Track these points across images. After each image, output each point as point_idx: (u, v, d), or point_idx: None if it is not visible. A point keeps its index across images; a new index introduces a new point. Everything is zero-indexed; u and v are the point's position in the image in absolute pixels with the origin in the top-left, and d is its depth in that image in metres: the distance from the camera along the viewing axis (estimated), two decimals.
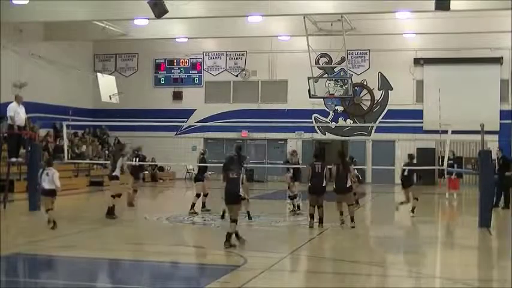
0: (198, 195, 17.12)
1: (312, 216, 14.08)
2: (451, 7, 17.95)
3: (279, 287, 9.23)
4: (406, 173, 16.79)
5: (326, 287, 9.07)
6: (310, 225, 13.96)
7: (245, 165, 15.87)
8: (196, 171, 18.34)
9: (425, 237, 14.22)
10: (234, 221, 11.49)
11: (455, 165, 20.65)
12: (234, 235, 11.53)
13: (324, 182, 13.92)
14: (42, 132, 25.52)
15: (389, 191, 27.23)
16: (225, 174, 11.76)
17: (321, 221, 14.06)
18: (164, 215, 16.50)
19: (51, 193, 13.54)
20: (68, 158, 20.69)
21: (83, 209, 19.79)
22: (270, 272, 9.72)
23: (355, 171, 20.25)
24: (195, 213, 16.53)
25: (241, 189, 11.46)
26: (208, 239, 13.59)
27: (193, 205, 16.73)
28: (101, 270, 10.34)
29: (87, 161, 26.38)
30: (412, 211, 16.71)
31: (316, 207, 14.10)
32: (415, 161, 18.43)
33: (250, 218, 15.32)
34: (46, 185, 13.55)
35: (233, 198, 11.46)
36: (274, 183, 30.43)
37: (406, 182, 16.80)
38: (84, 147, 27.75)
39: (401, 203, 17.16)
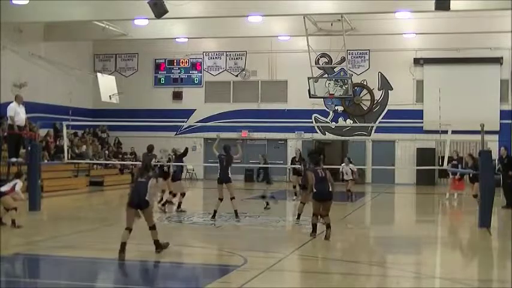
0: (182, 194, 17.54)
1: (314, 227, 12.88)
2: (451, 7, 17.94)
3: (279, 287, 9.24)
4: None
5: (326, 287, 9.08)
6: (313, 236, 12.76)
7: (230, 165, 16.16)
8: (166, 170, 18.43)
9: (425, 237, 14.21)
10: (152, 227, 10.73)
11: (459, 166, 20.61)
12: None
13: (330, 186, 12.92)
14: (42, 132, 25.51)
15: (389, 191, 27.24)
16: (135, 177, 11.16)
17: (328, 227, 12.67)
18: (164, 215, 16.53)
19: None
20: (68, 158, 20.69)
21: (83, 209, 19.79)
22: (270, 272, 9.73)
23: (355, 168, 20.74)
24: (183, 211, 17.02)
25: (148, 194, 10.64)
26: (208, 239, 13.59)
27: (179, 204, 17.29)
28: (101, 270, 10.34)
29: (87, 161, 26.40)
30: None
31: (320, 215, 12.88)
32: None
33: (237, 216, 15.53)
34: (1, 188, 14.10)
35: (140, 202, 10.65)
36: (274, 183, 30.42)
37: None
38: (84, 147, 27.75)
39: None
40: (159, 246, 10.77)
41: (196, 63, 33.22)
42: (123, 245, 10.35)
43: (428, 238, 14.06)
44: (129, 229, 10.56)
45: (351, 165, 20.96)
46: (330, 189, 12.85)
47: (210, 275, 9.88)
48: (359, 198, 23.40)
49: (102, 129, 32.20)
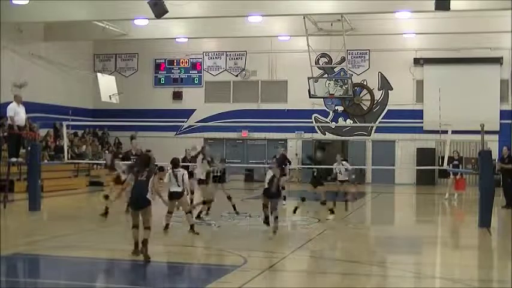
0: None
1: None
2: (451, 7, 17.95)
3: (279, 287, 9.24)
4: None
5: (326, 287, 9.08)
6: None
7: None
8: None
9: (425, 237, 14.21)
10: (147, 228, 10.44)
11: (460, 166, 20.55)
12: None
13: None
14: (42, 132, 25.51)
15: (389, 191, 27.24)
16: (134, 176, 10.67)
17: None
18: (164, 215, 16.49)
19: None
20: (67, 158, 20.69)
21: (83, 209, 19.79)
22: (270, 272, 9.73)
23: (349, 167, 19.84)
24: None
25: (149, 193, 10.44)
26: (208, 239, 13.59)
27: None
28: (101, 270, 10.33)
29: (87, 161, 26.39)
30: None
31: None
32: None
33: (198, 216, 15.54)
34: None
35: (141, 202, 10.46)
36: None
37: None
38: (84, 147, 27.75)
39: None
40: (145, 248, 10.26)
41: (196, 63, 33.21)
42: (136, 244, 10.45)
43: (429, 238, 14.06)
44: (136, 226, 10.61)
45: (345, 163, 18.37)
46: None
47: (210, 275, 9.88)
48: (359, 198, 23.43)
49: (133, 136, 31.74)
